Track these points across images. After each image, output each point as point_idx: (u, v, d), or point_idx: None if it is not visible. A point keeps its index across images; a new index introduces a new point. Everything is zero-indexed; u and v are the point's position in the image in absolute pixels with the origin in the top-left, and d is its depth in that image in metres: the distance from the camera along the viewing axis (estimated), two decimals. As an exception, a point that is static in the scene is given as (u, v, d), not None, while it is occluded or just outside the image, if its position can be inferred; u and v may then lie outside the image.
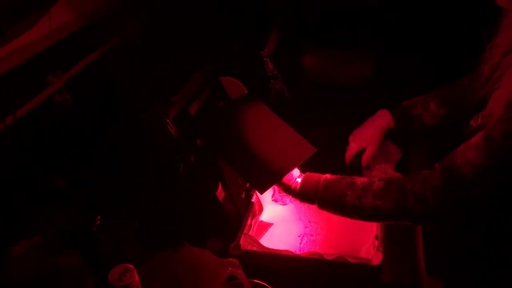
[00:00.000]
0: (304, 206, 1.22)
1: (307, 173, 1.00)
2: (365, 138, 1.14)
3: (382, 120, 1.14)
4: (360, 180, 0.93)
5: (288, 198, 1.25)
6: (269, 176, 0.98)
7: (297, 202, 1.23)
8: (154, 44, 1.44)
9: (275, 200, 1.26)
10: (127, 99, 1.29)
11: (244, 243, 1.06)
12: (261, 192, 1.00)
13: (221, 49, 1.47)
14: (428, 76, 1.54)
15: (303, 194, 0.98)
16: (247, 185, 1.21)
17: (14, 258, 0.85)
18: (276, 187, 1.26)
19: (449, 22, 1.50)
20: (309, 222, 1.20)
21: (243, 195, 1.18)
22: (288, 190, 1.00)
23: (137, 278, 0.75)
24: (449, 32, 1.49)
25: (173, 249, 0.96)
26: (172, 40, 1.50)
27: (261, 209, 1.21)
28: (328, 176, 0.97)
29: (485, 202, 0.85)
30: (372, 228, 1.10)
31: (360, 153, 1.15)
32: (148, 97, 1.24)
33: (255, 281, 0.93)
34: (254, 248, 1.06)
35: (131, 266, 0.74)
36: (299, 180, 0.99)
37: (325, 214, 1.18)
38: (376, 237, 1.05)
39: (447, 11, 1.49)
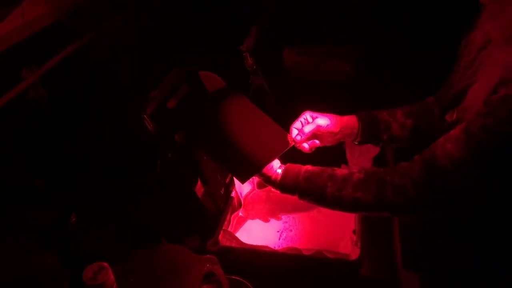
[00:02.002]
0: (283, 202, 1.22)
1: (288, 164, 1.00)
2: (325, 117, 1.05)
3: (347, 118, 1.08)
4: (340, 172, 0.94)
5: (267, 194, 1.25)
6: (250, 167, 0.98)
7: (276, 198, 1.23)
8: (133, 39, 1.42)
9: (255, 197, 1.25)
10: (104, 95, 1.27)
11: (223, 239, 1.05)
12: (242, 182, 1.00)
13: (201, 43, 1.46)
14: (410, 71, 1.56)
15: (283, 186, 0.99)
16: (227, 180, 1.21)
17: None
18: (255, 183, 1.26)
19: (429, 18, 1.52)
20: (288, 217, 1.20)
21: (222, 191, 1.17)
22: (269, 181, 1.00)
23: (112, 276, 0.74)
24: (429, 28, 1.50)
25: (150, 246, 0.96)
26: (151, 35, 1.48)
27: (240, 205, 1.20)
28: (308, 167, 0.97)
29: (465, 195, 0.86)
30: (350, 223, 1.11)
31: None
32: (125, 93, 1.23)
33: (233, 277, 0.93)
34: (233, 244, 1.06)
35: (105, 264, 0.73)
36: (279, 171, 0.99)
37: (304, 209, 1.20)
38: (354, 231, 1.06)
39: (427, 7, 1.51)
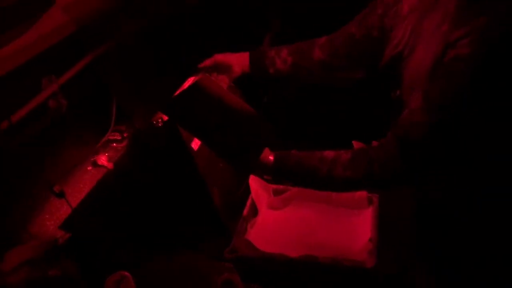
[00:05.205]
0: (300, 210, 1.22)
1: (278, 152, 1.00)
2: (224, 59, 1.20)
3: (241, 55, 1.20)
4: (329, 154, 0.96)
5: (283, 203, 1.25)
6: (249, 157, 0.97)
7: (293, 207, 1.24)
8: (149, 46, 1.44)
9: (271, 204, 1.26)
10: (120, 102, 1.29)
11: (240, 247, 1.06)
12: (246, 175, 0.99)
13: (215, 51, 1.47)
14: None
15: (276, 172, 0.99)
16: (243, 187, 1.21)
17: (4, 269, 0.83)
18: (271, 189, 1.27)
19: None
20: (304, 225, 1.20)
21: (238, 198, 1.18)
22: (263, 169, 1.00)
23: (133, 285, 0.75)
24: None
25: (168, 253, 0.97)
26: (167, 42, 1.50)
27: (256, 213, 1.21)
28: (297, 152, 0.98)
29: (442, 163, 0.91)
30: (366, 231, 1.11)
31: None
32: (141, 100, 1.24)
33: (251, 285, 0.94)
34: (250, 252, 1.06)
35: (127, 273, 0.74)
36: (271, 158, 0.99)
37: (320, 217, 1.20)
38: (370, 240, 1.06)
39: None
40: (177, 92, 1.10)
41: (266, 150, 1.00)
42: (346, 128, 1.54)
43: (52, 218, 1.11)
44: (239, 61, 1.20)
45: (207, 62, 1.20)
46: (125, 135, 1.30)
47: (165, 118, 1.06)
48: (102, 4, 1.25)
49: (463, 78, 0.82)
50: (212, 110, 1.01)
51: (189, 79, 1.18)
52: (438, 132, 0.86)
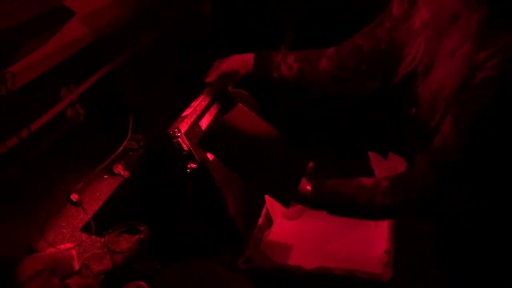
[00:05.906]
0: (315, 220, 1.21)
1: (315, 181, 1.00)
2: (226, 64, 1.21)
3: (245, 56, 1.21)
4: (367, 182, 0.95)
5: (298, 213, 1.25)
6: (287, 188, 0.97)
7: (307, 217, 1.23)
8: (165, 56, 1.45)
9: (286, 215, 1.25)
10: (137, 111, 1.30)
11: (254, 257, 1.05)
12: (287, 206, 0.99)
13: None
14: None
15: (314, 202, 0.99)
16: (258, 198, 1.21)
17: (21, 276, 0.84)
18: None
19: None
20: (319, 235, 1.19)
21: (253, 209, 1.18)
22: (300, 198, 1.00)
23: (149, 295, 0.75)
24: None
25: (183, 263, 0.97)
26: (183, 54, 1.51)
27: (271, 223, 1.20)
28: (335, 180, 0.98)
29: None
30: (382, 243, 1.09)
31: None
32: (159, 111, 1.25)
33: (265, 296, 0.93)
34: (264, 263, 1.05)
35: (143, 283, 0.74)
36: (308, 188, 0.99)
37: (336, 228, 1.19)
38: (386, 251, 1.05)
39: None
40: (204, 128, 1.14)
41: (303, 180, 1.00)
42: (354, 136, 1.54)
43: (69, 226, 1.13)
44: (243, 62, 1.20)
45: (212, 74, 1.20)
46: (141, 144, 1.32)
47: (182, 128, 1.06)
48: (119, 16, 1.28)
49: (492, 100, 0.81)
50: (246, 144, 1.01)
51: (199, 96, 1.19)
52: (471, 154, 0.85)
